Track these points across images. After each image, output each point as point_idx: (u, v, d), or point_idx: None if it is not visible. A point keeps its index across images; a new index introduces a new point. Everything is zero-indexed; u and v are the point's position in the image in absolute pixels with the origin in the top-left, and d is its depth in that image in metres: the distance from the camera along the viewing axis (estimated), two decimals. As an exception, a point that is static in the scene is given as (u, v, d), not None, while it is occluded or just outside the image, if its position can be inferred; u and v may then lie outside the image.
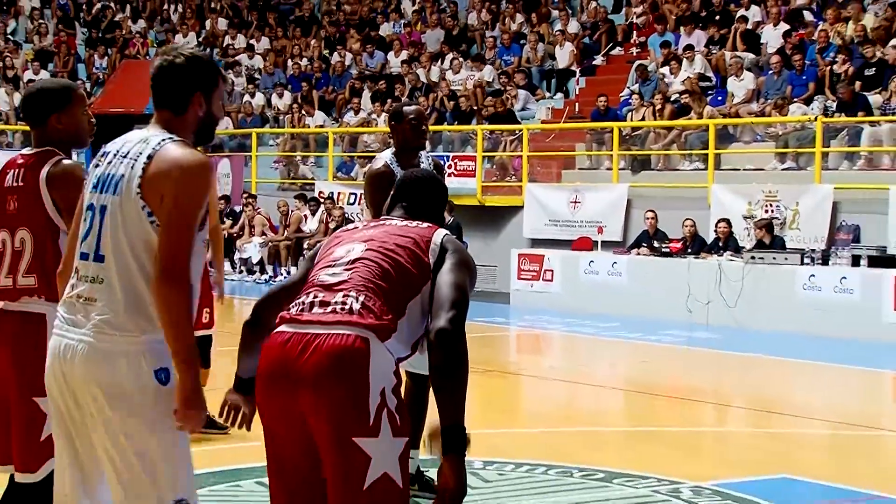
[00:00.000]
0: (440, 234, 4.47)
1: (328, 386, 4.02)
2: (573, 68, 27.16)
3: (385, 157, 7.92)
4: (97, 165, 4.47)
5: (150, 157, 4.26)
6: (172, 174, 4.21)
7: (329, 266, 4.38)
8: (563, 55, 27.50)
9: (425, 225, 4.54)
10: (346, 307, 4.14)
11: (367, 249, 4.36)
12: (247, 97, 30.40)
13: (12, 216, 5.66)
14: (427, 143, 8.98)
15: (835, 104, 21.08)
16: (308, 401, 4.04)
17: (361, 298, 4.17)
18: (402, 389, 4.28)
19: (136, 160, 4.29)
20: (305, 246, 23.36)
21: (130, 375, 4.23)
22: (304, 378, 4.04)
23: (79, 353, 4.30)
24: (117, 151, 4.40)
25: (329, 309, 4.16)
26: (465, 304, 4.24)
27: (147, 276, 4.25)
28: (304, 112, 28.98)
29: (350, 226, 4.81)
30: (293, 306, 4.27)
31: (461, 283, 4.28)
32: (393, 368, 4.14)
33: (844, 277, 17.70)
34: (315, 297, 4.25)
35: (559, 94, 26.78)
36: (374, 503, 4.05)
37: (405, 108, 8.25)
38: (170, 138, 4.30)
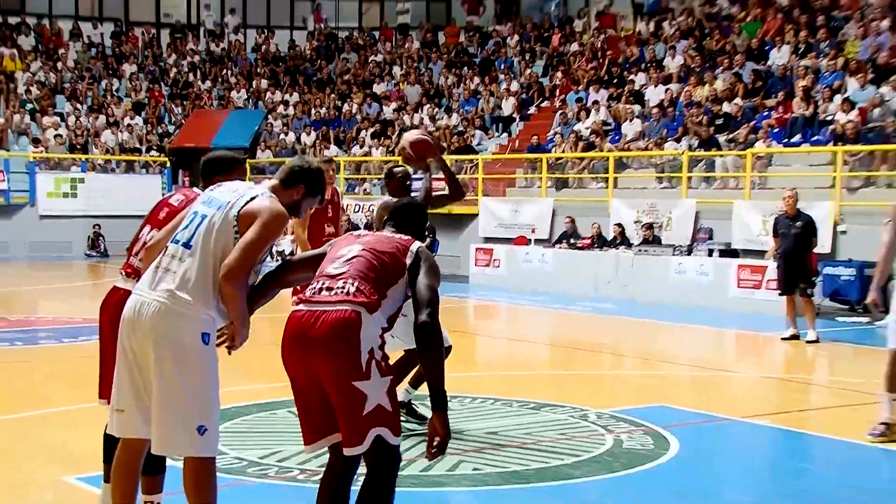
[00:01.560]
0: (416, 245, 4.61)
1: (333, 346, 4.27)
2: (514, 115, 27.22)
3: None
4: (211, 190, 4.79)
5: (253, 198, 4.61)
6: (262, 213, 4.53)
7: (335, 260, 4.55)
8: (508, 106, 27.55)
9: (406, 237, 4.69)
10: (345, 290, 4.36)
11: (362, 249, 4.53)
12: (282, 135, 30.40)
13: None
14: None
15: (696, 142, 21.19)
16: (319, 356, 4.28)
17: (356, 284, 4.38)
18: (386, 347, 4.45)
19: (242, 196, 4.62)
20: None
21: (185, 332, 4.45)
22: (316, 341, 4.29)
23: (151, 309, 4.49)
24: (227, 188, 4.74)
25: (333, 292, 4.38)
26: (437, 300, 4.43)
27: (215, 268, 4.49)
28: (323, 146, 28.99)
29: (354, 232, 4.90)
30: (308, 290, 4.49)
31: (433, 285, 4.46)
32: (379, 333, 4.36)
33: (702, 265, 17.79)
34: (323, 283, 4.45)
35: (504, 134, 26.77)
36: (372, 425, 4.26)
37: (394, 169, 8.29)
38: (269, 194, 4.66)
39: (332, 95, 31.76)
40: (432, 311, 4.39)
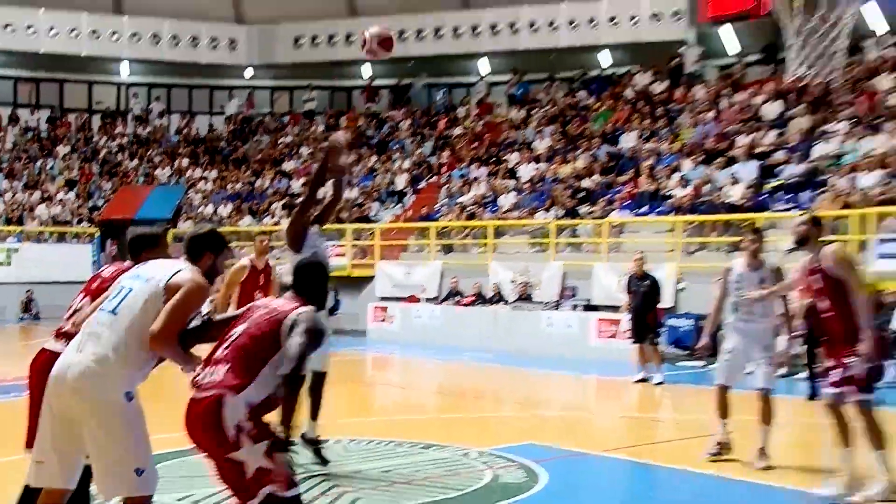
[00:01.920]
0: (296, 313, 4.65)
1: (202, 430, 4.44)
2: (406, 189, 27.37)
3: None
4: (139, 266, 4.86)
5: (178, 271, 4.69)
6: (185, 284, 4.60)
7: (225, 340, 4.67)
8: (401, 181, 27.71)
9: (290, 307, 4.72)
10: (214, 378, 4.50)
11: (244, 331, 4.63)
12: (202, 208, 30.06)
13: None
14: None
15: (562, 212, 21.55)
16: (196, 438, 4.50)
17: (227, 369, 4.51)
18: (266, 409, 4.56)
19: (168, 270, 4.70)
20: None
21: (109, 391, 4.46)
22: (192, 426, 4.50)
23: (77, 370, 4.47)
24: (154, 264, 4.83)
25: (207, 380, 4.52)
26: (302, 356, 4.49)
27: (141, 334, 4.55)
28: (237, 217, 28.79)
29: (257, 302, 4.99)
30: (197, 374, 4.62)
31: (302, 342, 4.51)
32: (245, 410, 4.44)
33: (568, 318, 18.02)
34: (204, 370, 4.59)
35: (398, 205, 26.84)
36: (260, 485, 4.39)
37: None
38: (192, 268, 4.76)
39: (247, 172, 31.58)
40: (296, 366, 4.45)
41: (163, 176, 32.08)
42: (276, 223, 27.55)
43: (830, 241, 7.83)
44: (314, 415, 7.98)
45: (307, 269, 5.03)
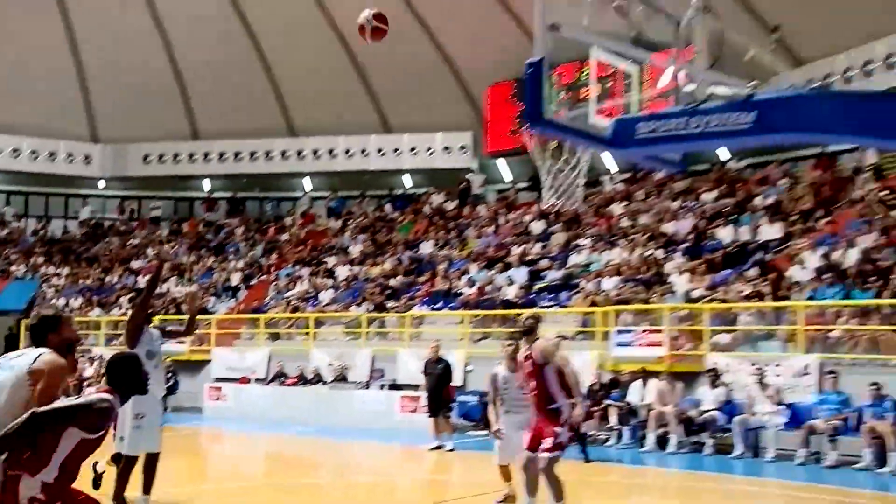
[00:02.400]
0: (90, 398, 4.40)
1: None
2: (240, 285, 26.95)
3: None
4: (9, 358, 4.58)
5: (38, 357, 4.48)
6: (47, 366, 4.42)
7: None
8: (235, 278, 27.30)
9: (80, 400, 4.43)
10: (18, 460, 4.20)
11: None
12: (54, 300, 28.44)
13: None
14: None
15: (372, 306, 21.80)
16: None
17: (25, 456, 4.20)
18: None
19: (29, 357, 4.49)
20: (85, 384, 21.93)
21: None
22: None
23: None
24: (19, 353, 4.61)
25: (11, 465, 4.21)
26: (55, 412, 4.25)
27: (12, 411, 4.29)
28: (87, 308, 27.47)
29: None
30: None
31: (35, 411, 4.22)
32: (39, 487, 4.17)
33: (377, 396, 18.08)
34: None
35: (232, 299, 26.38)
36: None
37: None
38: (50, 351, 4.55)
39: (98, 269, 30.25)
40: (44, 414, 4.21)
41: (18, 272, 30.26)
42: (123, 314, 26.52)
43: (540, 338, 7.99)
44: (147, 489, 7.78)
45: (113, 366, 4.65)
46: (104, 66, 29.09)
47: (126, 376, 4.60)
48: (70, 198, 33.60)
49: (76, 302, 28.06)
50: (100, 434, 4.36)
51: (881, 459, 12.01)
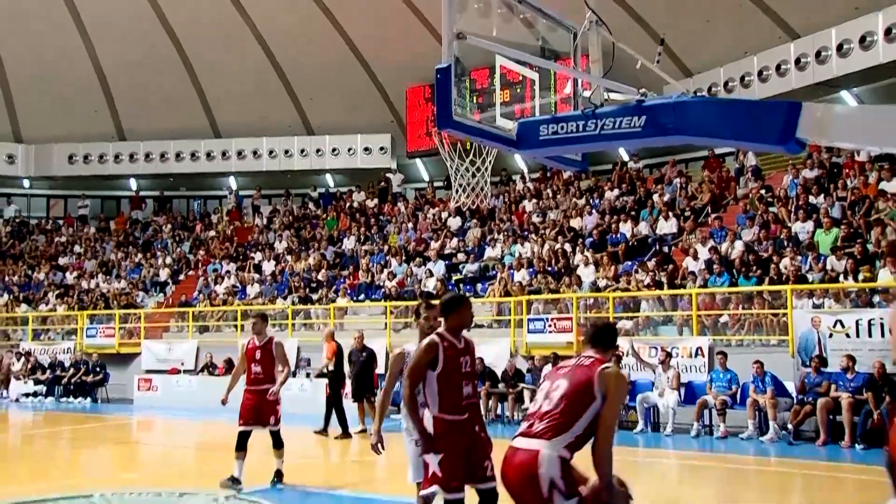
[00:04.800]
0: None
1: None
2: (168, 280, 26.40)
3: None
4: None
5: None
6: None
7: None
8: (164, 274, 26.68)
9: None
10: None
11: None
12: (-19, 297, 27.42)
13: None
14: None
15: (297, 299, 21.66)
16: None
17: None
18: None
19: None
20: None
21: None
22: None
23: None
24: None
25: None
26: None
27: None
28: (15, 305, 26.54)
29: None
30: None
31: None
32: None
33: (303, 384, 17.79)
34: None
35: (161, 294, 25.85)
36: None
37: None
38: None
39: (24, 266, 29.23)
40: None
41: (-57, 270, 29.01)
42: (51, 309, 25.81)
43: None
44: None
45: None
46: (25, 65, 28.18)
47: None
48: (-10, 195, 32.42)
49: (2, 298, 27.10)
50: None
51: (762, 429, 12.69)
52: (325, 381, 15.08)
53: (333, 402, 14.36)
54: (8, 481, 9.74)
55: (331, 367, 14.72)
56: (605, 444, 3.80)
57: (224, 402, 9.27)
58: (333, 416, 14.30)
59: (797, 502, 9.36)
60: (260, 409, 9.20)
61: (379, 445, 5.94)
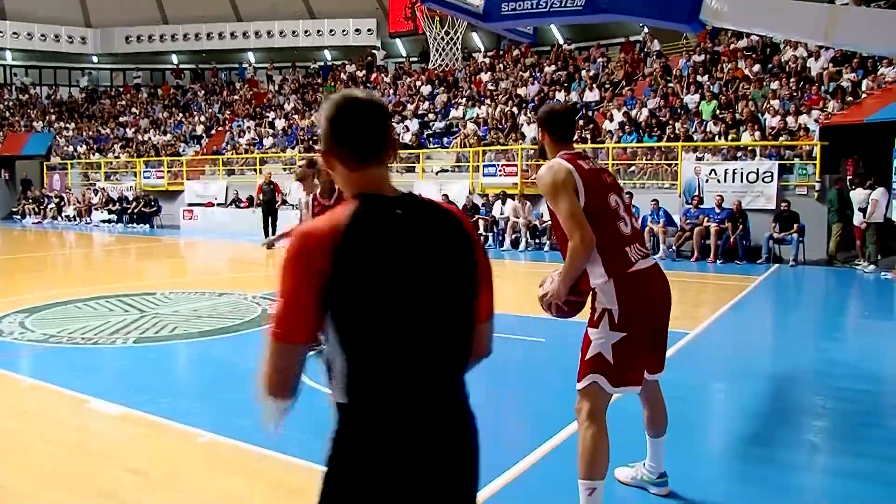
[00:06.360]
0: None
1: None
2: (203, 134, 24.80)
3: None
4: None
5: None
6: None
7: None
8: (199, 129, 25.11)
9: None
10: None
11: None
12: (66, 147, 25.72)
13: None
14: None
15: (303, 147, 20.64)
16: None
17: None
18: None
19: None
20: None
21: None
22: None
23: None
24: None
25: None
26: None
27: None
28: (91, 153, 25.03)
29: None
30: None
31: None
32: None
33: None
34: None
35: (198, 145, 24.17)
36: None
37: None
38: None
39: (96, 124, 27.36)
40: None
41: (38, 126, 27.38)
42: (116, 157, 24.56)
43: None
44: None
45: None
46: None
47: None
48: (72, 70, 30.35)
49: (81, 149, 25.62)
50: None
51: (654, 249, 12.56)
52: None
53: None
54: (95, 282, 9.61)
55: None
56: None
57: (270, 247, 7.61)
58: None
59: (677, 300, 9.24)
60: None
61: None
